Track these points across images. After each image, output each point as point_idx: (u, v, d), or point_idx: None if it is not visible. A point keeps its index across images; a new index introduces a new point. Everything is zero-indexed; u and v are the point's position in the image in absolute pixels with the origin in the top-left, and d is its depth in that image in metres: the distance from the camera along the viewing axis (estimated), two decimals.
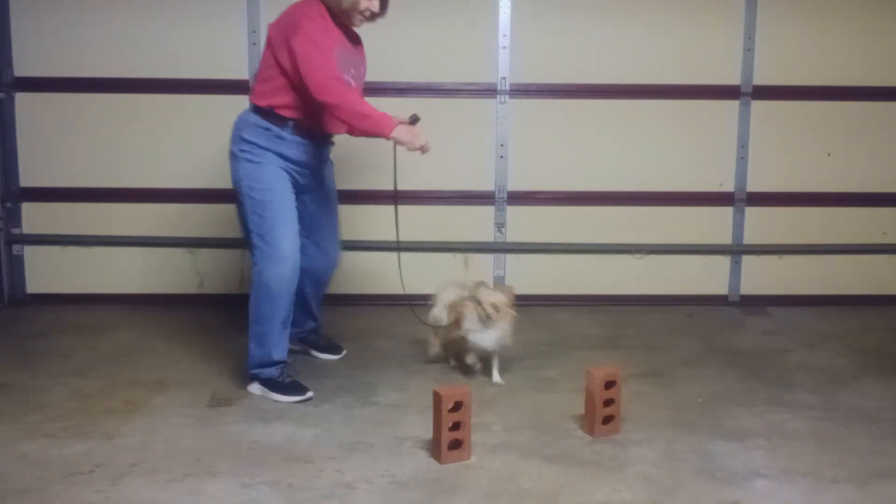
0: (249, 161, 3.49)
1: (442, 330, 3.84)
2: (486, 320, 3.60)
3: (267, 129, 3.48)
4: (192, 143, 4.81)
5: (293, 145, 3.53)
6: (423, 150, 3.41)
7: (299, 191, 3.61)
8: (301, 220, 3.60)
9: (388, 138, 3.36)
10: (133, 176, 4.85)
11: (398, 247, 3.85)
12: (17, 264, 4.94)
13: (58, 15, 4.73)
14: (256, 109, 3.52)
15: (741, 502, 2.74)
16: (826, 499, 2.78)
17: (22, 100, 4.81)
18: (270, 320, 3.51)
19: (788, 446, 3.14)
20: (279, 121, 3.48)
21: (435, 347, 3.94)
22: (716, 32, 4.85)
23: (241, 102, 4.73)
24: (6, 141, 4.84)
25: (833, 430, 3.28)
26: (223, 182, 4.82)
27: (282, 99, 3.48)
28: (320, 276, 3.92)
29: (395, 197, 3.77)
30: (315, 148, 3.62)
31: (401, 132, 3.37)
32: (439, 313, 3.86)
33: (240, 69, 4.75)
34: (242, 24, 4.72)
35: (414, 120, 3.49)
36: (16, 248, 4.94)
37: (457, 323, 3.71)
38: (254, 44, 4.71)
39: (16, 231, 4.92)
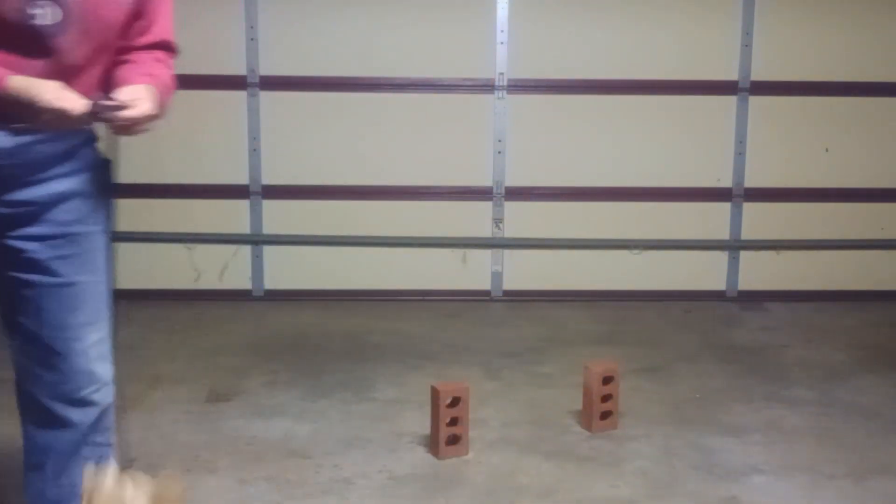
0: None
1: None
2: None
3: None
4: (189, 138, 4.78)
5: None
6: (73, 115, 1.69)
7: None
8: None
9: None
10: (131, 172, 4.80)
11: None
12: None
13: None
14: None
15: (739, 498, 2.74)
16: (824, 494, 2.78)
17: None
18: None
19: (786, 442, 3.14)
20: None
21: None
22: (713, 28, 4.84)
23: (239, 97, 4.77)
24: None
25: (831, 425, 3.29)
26: (220, 177, 4.87)
27: None
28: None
29: None
30: None
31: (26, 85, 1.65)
32: None
33: (237, 65, 4.72)
34: (240, 19, 4.71)
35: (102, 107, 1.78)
36: None
37: None
38: (252, 39, 4.70)
39: None
